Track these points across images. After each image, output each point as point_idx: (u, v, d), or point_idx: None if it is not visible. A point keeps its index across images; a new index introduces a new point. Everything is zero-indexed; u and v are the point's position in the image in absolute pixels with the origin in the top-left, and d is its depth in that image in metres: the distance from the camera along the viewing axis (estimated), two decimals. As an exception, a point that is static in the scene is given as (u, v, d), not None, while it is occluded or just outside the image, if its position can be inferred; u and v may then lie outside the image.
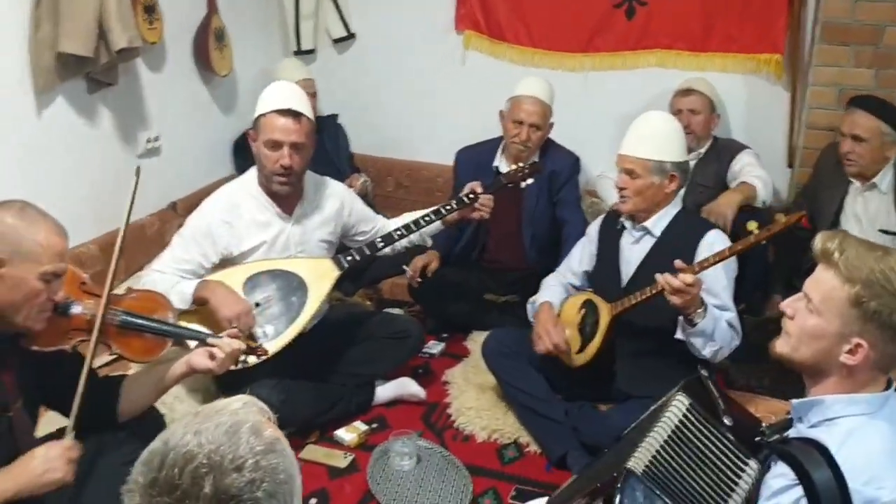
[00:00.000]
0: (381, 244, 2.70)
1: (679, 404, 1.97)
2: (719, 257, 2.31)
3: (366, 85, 4.27)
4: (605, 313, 2.56)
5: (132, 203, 1.94)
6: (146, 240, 3.21)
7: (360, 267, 3.49)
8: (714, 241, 2.46)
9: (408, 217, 2.84)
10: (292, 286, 2.57)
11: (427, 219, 2.76)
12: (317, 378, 2.79)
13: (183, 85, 3.54)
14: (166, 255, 2.58)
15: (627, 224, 2.63)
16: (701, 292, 2.36)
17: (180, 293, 2.43)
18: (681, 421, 1.74)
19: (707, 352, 2.36)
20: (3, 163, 2.63)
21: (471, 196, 2.79)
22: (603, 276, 2.70)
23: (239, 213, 2.59)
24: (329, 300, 2.95)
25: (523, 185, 2.95)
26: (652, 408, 2.19)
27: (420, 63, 4.15)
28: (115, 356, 1.99)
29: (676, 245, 2.48)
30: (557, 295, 2.76)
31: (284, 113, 2.50)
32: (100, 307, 1.84)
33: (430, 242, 2.97)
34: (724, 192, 3.34)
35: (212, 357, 1.96)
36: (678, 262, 2.26)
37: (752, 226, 2.28)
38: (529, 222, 3.37)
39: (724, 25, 3.63)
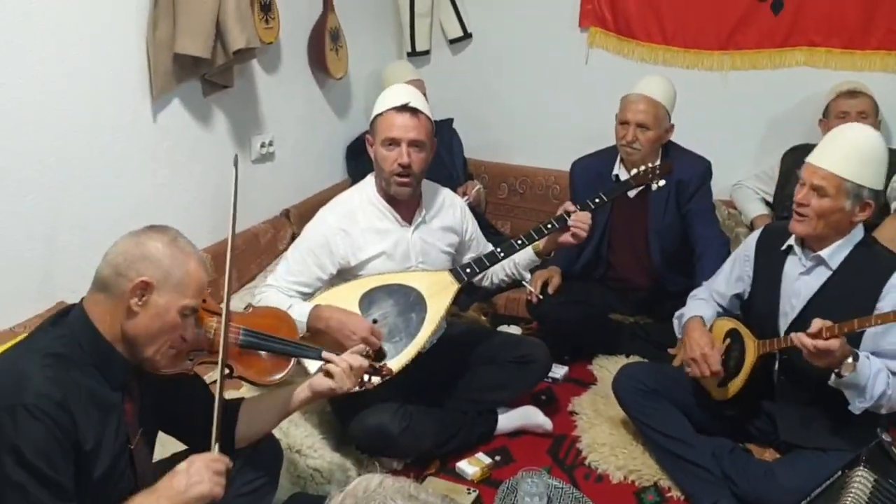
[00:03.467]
0: (501, 253, 2.54)
1: (863, 481, 1.73)
2: (868, 323, 1.99)
3: (481, 87, 4.15)
4: (751, 350, 2.31)
5: (235, 198, 1.88)
6: (259, 248, 3.15)
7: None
8: None
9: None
10: (410, 301, 2.45)
11: (540, 232, 2.54)
12: (436, 403, 2.67)
13: (297, 87, 3.46)
14: (281, 268, 2.50)
15: (797, 248, 2.30)
16: (870, 333, 2.11)
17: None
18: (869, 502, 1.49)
19: (857, 407, 2.09)
20: (121, 168, 2.59)
21: (564, 216, 2.53)
22: (759, 306, 2.40)
23: (356, 221, 2.49)
24: (447, 316, 2.81)
25: (654, 186, 2.73)
26: (827, 482, 1.95)
27: (540, 62, 3.99)
28: (227, 375, 1.90)
29: (857, 282, 2.16)
30: (709, 311, 2.52)
31: (401, 109, 2.41)
32: (222, 325, 1.78)
33: (528, 277, 2.77)
34: (883, 212, 3.03)
35: (329, 374, 1.88)
36: (816, 322, 2.02)
37: None
38: (657, 236, 3.14)
39: (886, 19, 3.30)
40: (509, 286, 2.91)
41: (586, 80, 3.89)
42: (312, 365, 2.19)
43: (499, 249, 2.54)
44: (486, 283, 2.75)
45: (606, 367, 3.10)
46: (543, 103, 4.03)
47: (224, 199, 3.04)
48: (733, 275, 2.52)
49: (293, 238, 3.28)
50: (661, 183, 2.70)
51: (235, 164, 1.96)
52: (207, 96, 2.92)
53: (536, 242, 2.57)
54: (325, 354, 1.92)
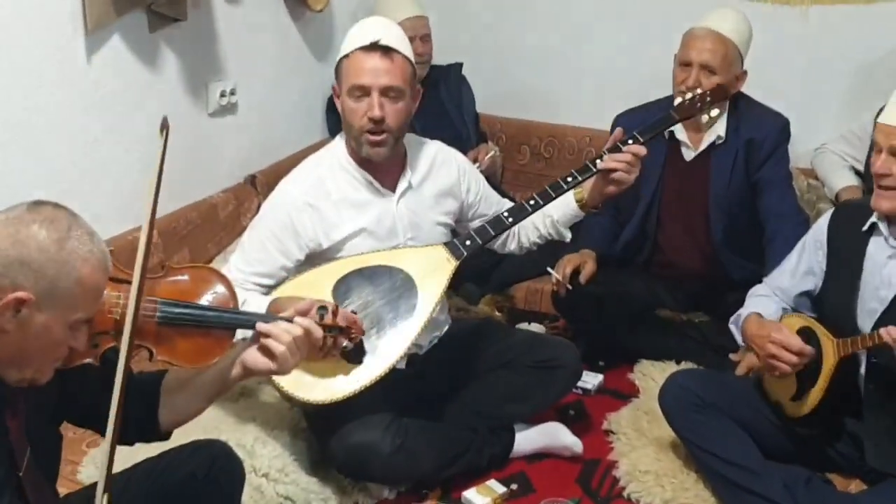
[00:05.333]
0: (510, 219, 2.55)
1: None
2: None
3: (497, 22, 4.18)
4: (829, 353, 2.31)
5: (161, 170, 1.73)
6: (217, 223, 3.18)
7: (486, 263, 3.39)
8: None
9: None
10: (396, 285, 2.46)
11: (559, 188, 2.54)
12: (438, 417, 2.70)
13: (267, 22, 3.49)
14: (235, 257, 2.52)
15: (882, 226, 2.32)
16: None
17: None
18: None
19: None
20: (44, 122, 2.60)
21: (590, 162, 2.55)
22: (835, 302, 2.41)
23: (326, 192, 2.50)
24: (448, 308, 2.86)
25: (705, 119, 2.76)
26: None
27: (571, -8, 4.02)
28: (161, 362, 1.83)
29: None
30: (771, 307, 2.53)
31: (370, 49, 2.40)
32: (130, 301, 1.64)
33: (568, 236, 2.78)
34: None
35: (269, 353, 1.83)
36: None
37: None
38: (719, 210, 3.15)
39: None
40: (545, 254, 2.93)
41: (633, 13, 3.91)
42: None
43: (506, 213, 2.55)
44: (512, 246, 2.76)
45: (651, 376, 3.14)
46: (577, 43, 4.05)
47: (175, 161, 3.02)
48: (800, 267, 2.53)
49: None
50: (714, 113, 2.72)
51: (164, 129, 1.78)
52: (154, 31, 2.93)
53: (580, 191, 2.58)
54: (259, 326, 1.84)
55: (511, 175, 4.12)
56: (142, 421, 1.85)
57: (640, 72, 3.48)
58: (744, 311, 2.55)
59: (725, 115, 3.08)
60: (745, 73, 3.07)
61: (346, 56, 2.44)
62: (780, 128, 3.10)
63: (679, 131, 3.12)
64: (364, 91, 2.40)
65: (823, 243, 2.47)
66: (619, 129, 2.60)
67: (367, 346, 2.32)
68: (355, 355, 2.26)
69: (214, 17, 3.18)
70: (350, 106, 2.44)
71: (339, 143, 2.58)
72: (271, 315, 1.95)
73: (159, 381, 1.89)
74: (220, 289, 1.89)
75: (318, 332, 1.87)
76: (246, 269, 2.44)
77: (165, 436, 1.92)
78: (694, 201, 3.18)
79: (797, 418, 2.40)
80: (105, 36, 2.74)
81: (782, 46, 3.64)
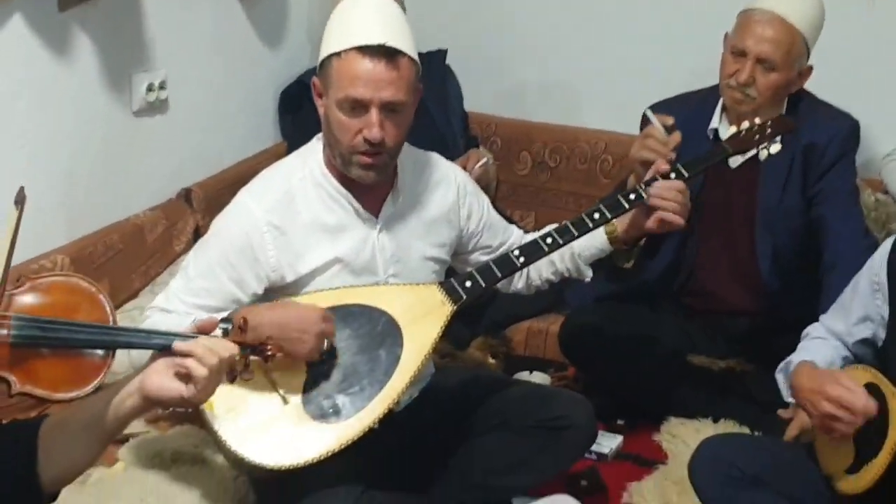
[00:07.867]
0: (521, 258, 2.58)
1: None
2: None
3: (488, 2, 4.21)
4: (895, 408, 2.30)
5: (13, 244, 1.77)
6: (144, 250, 3.19)
7: (481, 301, 3.42)
8: None
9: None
10: (377, 331, 2.48)
11: (582, 225, 2.60)
12: (416, 489, 2.72)
13: (206, 1, 3.54)
14: (176, 284, 2.52)
15: None
16: None
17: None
18: None
19: None
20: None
21: (650, 185, 2.60)
22: None
23: (295, 212, 2.51)
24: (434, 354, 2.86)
25: (764, 154, 2.77)
26: None
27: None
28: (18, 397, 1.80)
29: None
30: (828, 352, 2.54)
31: (373, 54, 2.39)
32: None
33: (589, 274, 2.79)
34: None
35: (184, 376, 1.81)
36: None
37: None
38: (767, 229, 3.22)
39: None
40: (560, 286, 2.96)
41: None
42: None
43: (517, 252, 2.58)
44: (519, 285, 2.82)
45: (682, 438, 3.17)
46: (589, 26, 4.10)
47: (92, 171, 3.09)
48: (855, 311, 2.55)
49: (198, 233, 3.33)
50: (774, 149, 2.74)
51: (19, 203, 1.83)
52: (66, 10, 2.94)
53: (612, 223, 2.62)
54: (178, 345, 1.83)
55: (508, 189, 4.16)
56: (15, 479, 1.81)
57: (672, 62, 3.51)
58: (794, 358, 2.54)
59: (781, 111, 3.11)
60: (810, 68, 3.13)
61: (338, 55, 2.41)
62: (847, 131, 3.17)
63: (723, 131, 3.10)
64: (361, 105, 2.39)
65: (883, 283, 2.46)
66: (660, 161, 2.63)
67: (338, 403, 2.37)
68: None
69: (141, -6, 3.21)
70: (339, 119, 2.42)
71: (315, 150, 2.57)
72: (173, 332, 1.93)
73: (36, 427, 1.87)
74: (93, 300, 1.88)
75: (235, 349, 1.89)
76: (189, 300, 2.44)
77: (50, 498, 1.90)
78: (738, 218, 3.25)
79: (852, 496, 2.39)
80: (3, 16, 2.74)
81: (845, 34, 3.63)
